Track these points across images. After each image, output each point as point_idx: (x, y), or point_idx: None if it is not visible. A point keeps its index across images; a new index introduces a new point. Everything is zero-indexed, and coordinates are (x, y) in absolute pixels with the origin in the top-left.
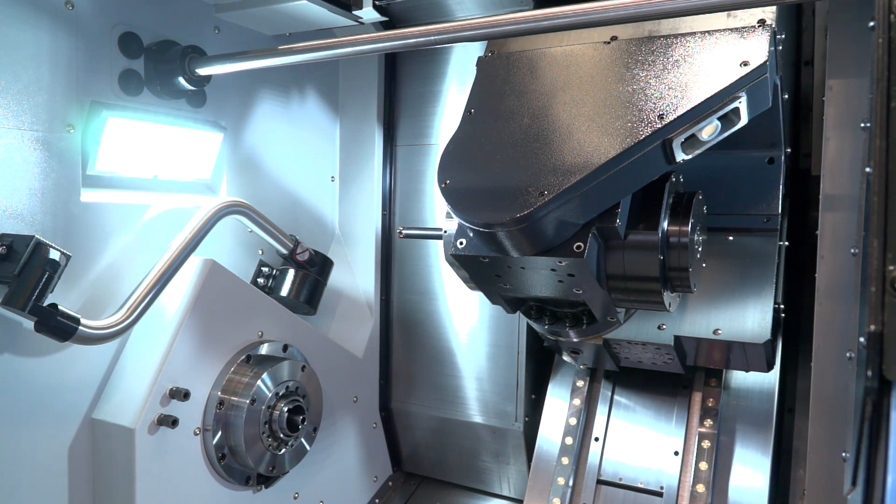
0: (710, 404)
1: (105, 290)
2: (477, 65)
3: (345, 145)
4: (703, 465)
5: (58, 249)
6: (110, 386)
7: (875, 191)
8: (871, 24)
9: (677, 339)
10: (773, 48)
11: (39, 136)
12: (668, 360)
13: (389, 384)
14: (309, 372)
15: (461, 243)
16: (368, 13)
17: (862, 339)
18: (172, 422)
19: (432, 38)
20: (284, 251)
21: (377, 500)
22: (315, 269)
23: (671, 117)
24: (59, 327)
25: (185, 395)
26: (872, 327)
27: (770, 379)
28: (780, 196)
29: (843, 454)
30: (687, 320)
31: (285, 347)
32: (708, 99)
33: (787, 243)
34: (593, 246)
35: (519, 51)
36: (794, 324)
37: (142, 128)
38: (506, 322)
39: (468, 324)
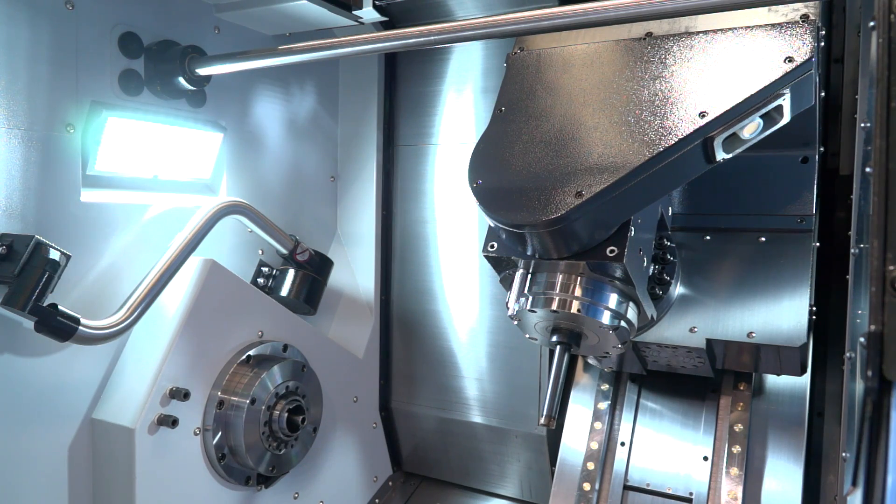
0: (739, 408)
1: (105, 290)
2: (506, 62)
3: (345, 145)
4: (735, 471)
5: (58, 249)
6: (110, 386)
7: (875, 191)
8: (872, 24)
9: (709, 342)
10: (817, 44)
11: (39, 136)
12: (698, 364)
13: (389, 384)
14: (309, 372)
15: (492, 246)
16: (368, 13)
17: (862, 339)
18: (172, 422)
19: (432, 38)
20: (284, 251)
21: (377, 500)
22: (315, 269)
23: (713, 115)
24: (59, 327)
25: (185, 395)
26: (872, 327)
27: (801, 382)
28: (815, 196)
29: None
30: (720, 323)
31: (285, 347)
32: (751, 96)
33: (818, 244)
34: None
35: (549, 47)
36: (822, 325)
37: (142, 128)
38: (508, 322)
39: (468, 324)
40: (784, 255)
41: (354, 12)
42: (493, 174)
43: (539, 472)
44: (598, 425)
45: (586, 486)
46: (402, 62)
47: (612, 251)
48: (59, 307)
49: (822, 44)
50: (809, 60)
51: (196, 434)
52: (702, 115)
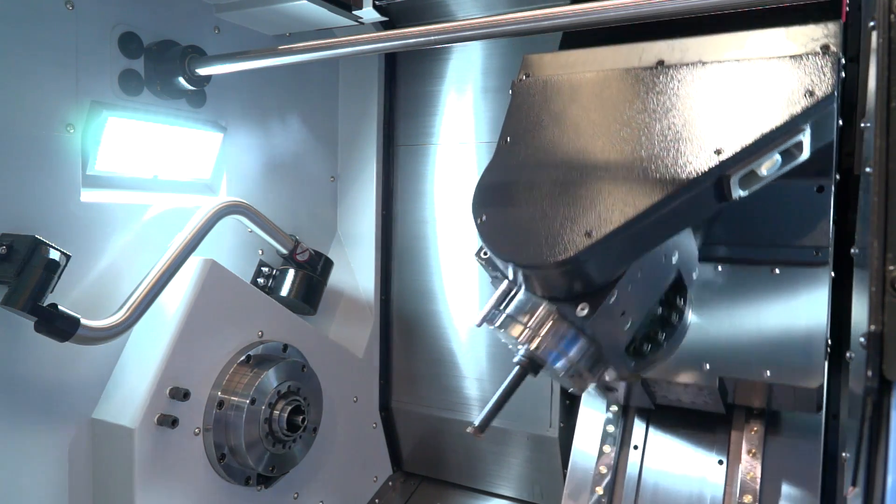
0: (755, 412)
1: (105, 290)
2: (511, 89)
3: (345, 145)
4: (750, 475)
5: (58, 249)
6: (110, 386)
7: (875, 191)
8: (872, 24)
9: (722, 380)
10: (837, 77)
11: (39, 136)
12: (708, 401)
13: (389, 384)
14: (309, 372)
15: (584, 308)
16: (368, 13)
17: (862, 339)
18: (172, 422)
19: (432, 38)
20: (284, 251)
21: (377, 500)
22: (315, 269)
23: (730, 152)
24: (59, 327)
25: (185, 395)
26: (872, 327)
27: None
28: (832, 226)
29: (844, 454)
30: (732, 359)
31: (285, 347)
32: (769, 132)
33: (834, 274)
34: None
35: (556, 75)
36: (837, 325)
37: (142, 128)
38: None
39: (468, 324)
40: (799, 289)
41: (354, 12)
42: (498, 210)
43: (549, 473)
44: (610, 428)
45: (598, 490)
46: (402, 62)
47: (583, 308)
48: (59, 307)
49: (843, 75)
50: (831, 95)
51: (196, 434)
52: (717, 152)
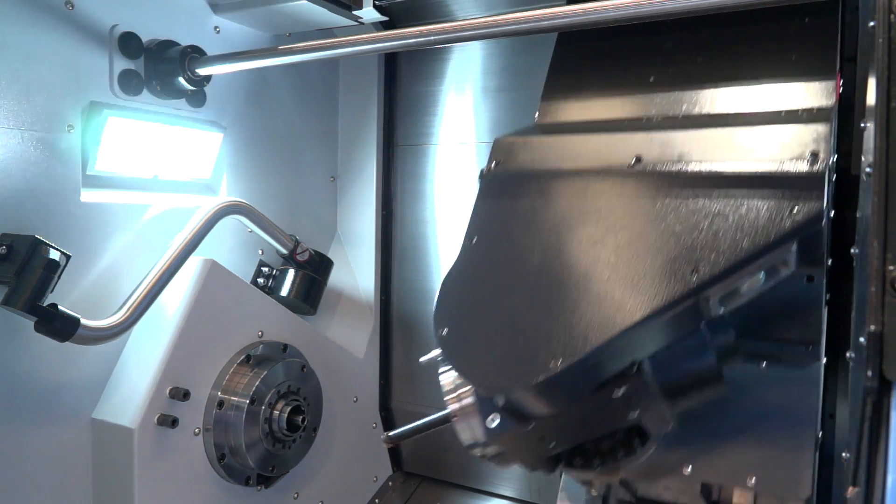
0: None
1: (105, 290)
2: (479, 179)
3: (345, 145)
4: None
5: (58, 249)
6: (110, 386)
7: (875, 191)
8: (872, 24)
9: (704, 484)
10: (827, 191)
11: (39, 136)
12: (691, 502)
13: (389, 384)
14: (309, 372)
15: (493, 421)
16: (368, 13)
17: (862, 339)
18: (172, 422)
19: (432, 38)
20: (284, 251)
21: (377, 500)
22: (315, 269)
23: (707, 274)
24: (59, 327)
25: (185, 395)
26: (872, 327)
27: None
28: (824, 318)
29: (844, 454)
30: (715, 462)
31: (285, 347)
32: (751, 255)
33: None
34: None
35: (528, 168)
36: (834, 323)
37: (142, 128)
38: None
39: None
40: (788, 385)
41: (354, 12)
42: (461, 322)
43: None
44: None
45: (594, 492)
46: (402, 62)
47: (493, 419)
48: (59, 307)
49: (835, 177)
50: (819, 214)
51: (196, 434)
52: (694, 272)
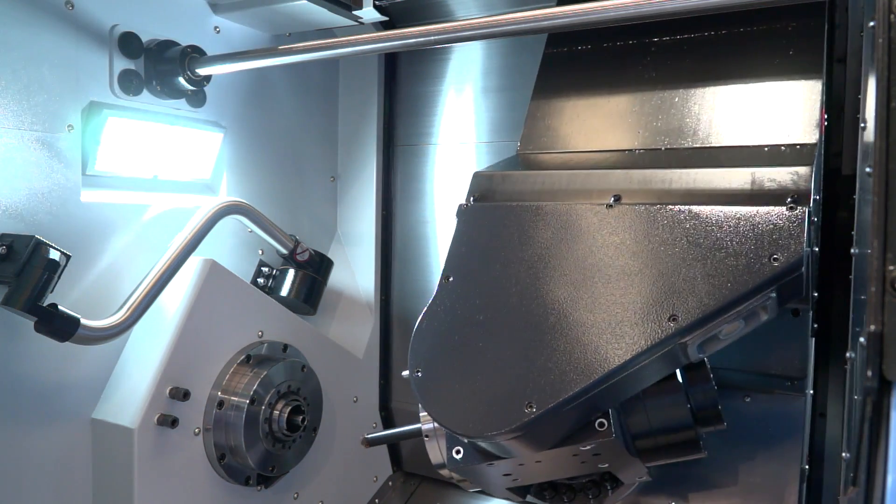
0: None
1: (105, 290)
2: (457, 214)
3: (345, 145)
4: None
5: (58, 249)
6: (110, 386)
7: (875, 191)
8: (871, 24)
9: None
10: (807, 236)
11: (39, 136)
12: None
13: (389, 384)
14: (309, 372)
15: (458, 453)
16: (368, 13)
17: (862, 340)
18: (172, 422)
19: (432, 38)
20: (284, 251)
21: (377, 500)
22: (315, 269)
23: (685, 322)
24: (59, 327)
25: (185, 395)
26: (872, 327)
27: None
28: (809, 353)
29: (844, 454)
30: (701, 498)
31: (285, 347)
32: (730, 302)
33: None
34: (614, 416)
35: (506, 203)
36: (824, 325)
37: (142, 128)
38: None
39: None
40: (772, 420)
41: (354, 12)
42: (436, 365)
43: None
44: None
45: None
46: (402, 62)
47: (458, 452)
48: (59, 307)
49: (816, 219)
50: (799, 261)
51: (196, 434)
52: (672, 318)
